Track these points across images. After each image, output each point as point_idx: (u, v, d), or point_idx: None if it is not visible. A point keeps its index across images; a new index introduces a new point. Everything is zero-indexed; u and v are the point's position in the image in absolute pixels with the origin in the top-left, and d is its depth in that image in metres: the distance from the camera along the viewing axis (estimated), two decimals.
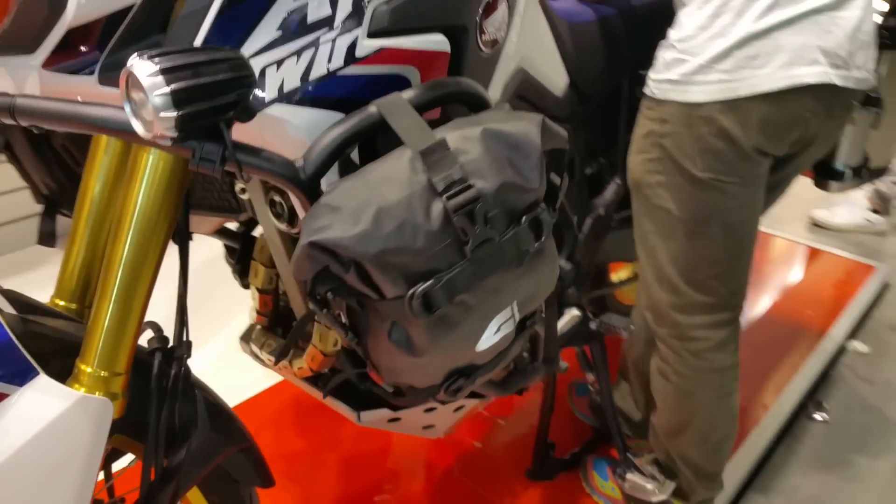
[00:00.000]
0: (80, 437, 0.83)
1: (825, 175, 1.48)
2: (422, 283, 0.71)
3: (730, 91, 1.17)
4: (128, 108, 0.65)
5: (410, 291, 0.71)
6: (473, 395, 1.34)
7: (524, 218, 0.77)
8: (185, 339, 1.00)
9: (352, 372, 1.29)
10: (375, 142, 0.78)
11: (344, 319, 0.78)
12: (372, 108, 0.76)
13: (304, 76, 0.76)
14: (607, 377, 1.62)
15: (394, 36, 0.80)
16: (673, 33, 1.24)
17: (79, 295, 1.03)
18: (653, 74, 1.28)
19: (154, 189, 0.83)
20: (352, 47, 0.77)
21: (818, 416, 2.08)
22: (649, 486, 1.56)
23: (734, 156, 1.21)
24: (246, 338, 1.40)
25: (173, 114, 0.61)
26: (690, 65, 1.19)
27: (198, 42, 0.71)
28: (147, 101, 0.61)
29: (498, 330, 0.82)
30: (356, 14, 0.77)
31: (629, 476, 1.59)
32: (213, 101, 0.63)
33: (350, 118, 0.76)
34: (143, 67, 0.60)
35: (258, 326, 1.34)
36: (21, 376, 0.84)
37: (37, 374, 0.84)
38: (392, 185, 0.70)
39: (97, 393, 0.85)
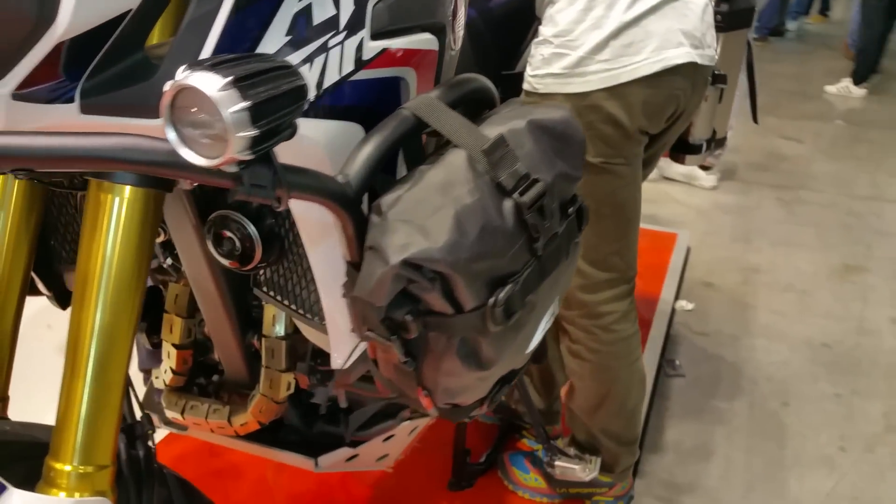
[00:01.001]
0: None
1: (682, 150, 1.66)
2: (500, 288, 0.68)
3: (612, 79, 1.27)
4: (171, 135, 0.54)
5: (492, 299, 0.68)
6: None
7: (570, 209, 0.77)
8: (141, 412, 0.87)
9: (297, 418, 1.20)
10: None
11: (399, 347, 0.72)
12: (405, 113, 0.71)
13: (319, 84, 0.69)
14: (521, 375, 1.66)
15: (393, 36, 0.76)
16: (546, 30, 1.31)
17: None
18: (531, 71, 1.35)
19: (127, 237, 0.71)
20: (359, 50, 0.72)
21: (674, 373, 2.31)
22: (577, 466, 1.63)
23: (621, 138, 1.32)
24: (151, 405, 1.23)
25: (252, 133, 0.52)
26: (571, 58, 1.27)
27: (206, 53, 0.62)
28: (218, 119, 0.51)
29: (544, 327, 0.82)
30: (359, 13, 0.72)
31: (557, 462, 1.64)
32: (284, 117, 0.55)
33: (385, 126, 0.70)
34: (208, 80, 0.51)
35: (167, 389, 1.18)
36: None
37: (3, 488, 0.68)
38: (460, 188, 0.66)
39: (85, 494, 0.71)
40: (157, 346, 1.16)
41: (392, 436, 1.25)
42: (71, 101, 0.61)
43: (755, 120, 2.16)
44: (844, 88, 5.23)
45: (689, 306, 2.68)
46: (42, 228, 0.88)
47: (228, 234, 0.91)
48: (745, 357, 2.41)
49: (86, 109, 0.62)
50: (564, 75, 1.29)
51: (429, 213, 0.65)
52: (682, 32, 1.27)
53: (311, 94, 0.68)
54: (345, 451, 1.18)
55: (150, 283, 1.15)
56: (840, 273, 2.89)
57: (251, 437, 1.18)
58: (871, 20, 5.10)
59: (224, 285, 1.02)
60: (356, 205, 0.68)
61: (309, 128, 0.68)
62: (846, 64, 5.53)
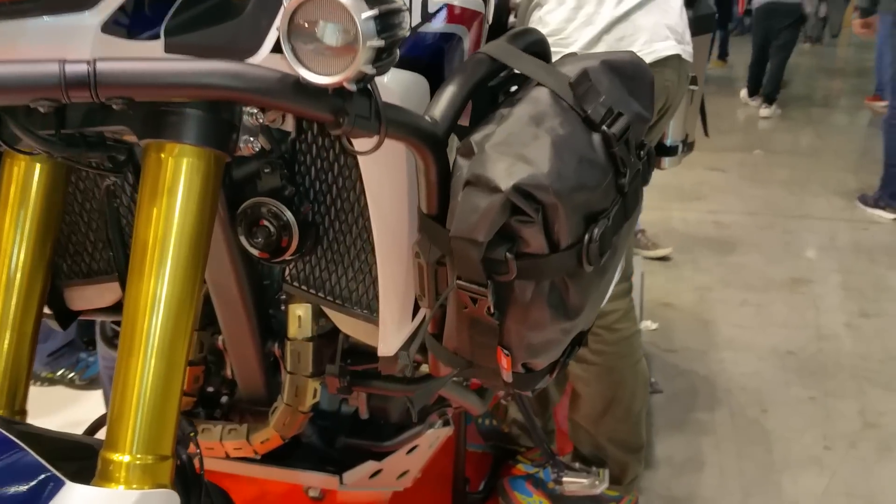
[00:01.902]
0: None
1: (659, 153, 1.71)
2: (594, 225, 0.67)
3: None
4: (288, 50, 0.52)
5: (587, 235, 0.66)
6: (446, 422, 1.27)
7: (641, 152, 0.77)
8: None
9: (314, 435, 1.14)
10: None
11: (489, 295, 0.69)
12: (482, 55, 0.70)
13: None
14: None
15: None
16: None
17: (5, 398, 0.76)
18: None
19: (189, 200, 0.66)
20: (425, 2, 0.72)
21: (654, 390, 2.33)
22: (586, 480, 1.60)
23: None
24: None
25: (379, 43, 0.50)
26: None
27: None
28: (350, 27, 0.49)
29: (615, 280, 0.81)
30: None
31: (566, 478, 1.61)
32: (399, 35, 0.53)
33: (464, 69, 0.69)
34: None
35: None
36: (36, 494, 0.60)
37: (61, 483, 0.61)
38: (551, 121, 0.65)
39: (145, 487, 0.64)
40: None
41: (416, 447, 1.19)
42: (156, 37, 0.58)
43: (705, 133, 2.27)
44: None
45: (654, 326, 2.73)
46: None
47: (264, 222, 0.87)
48: (716, 370, 2.46)
49: (170, 48, 0.59)
50: None
51: (526, 142, 0.64)
52: (666, 27, 1.33)
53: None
54: (370, 465, 1.12)
55: None
56: (789, 286, 3.02)
57: (269, 460, 1.11)
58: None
59: (246, 286, 0.97)
60: (443, 146, 0.67)
61: (384, 77, 0.67)
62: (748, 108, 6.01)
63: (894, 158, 3.73)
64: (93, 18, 0.57)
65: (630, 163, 0.71)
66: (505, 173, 0.63)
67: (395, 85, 0.68)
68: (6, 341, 0.77)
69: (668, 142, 1.69)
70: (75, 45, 0.58)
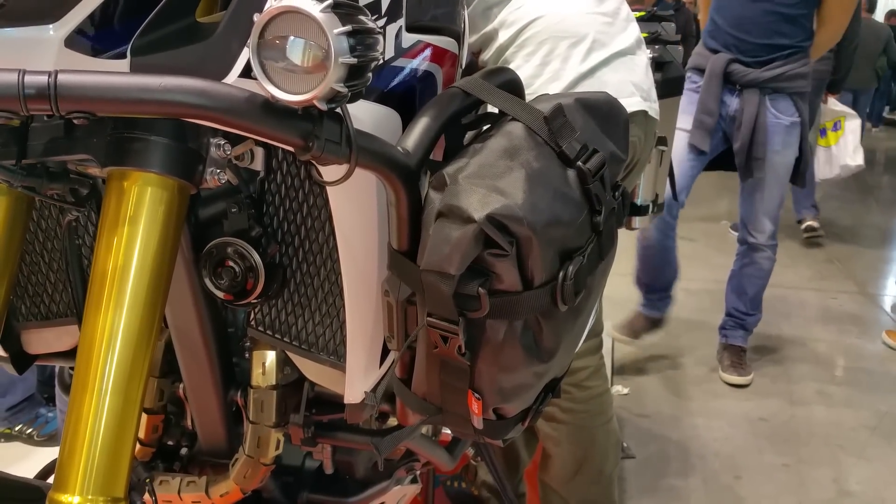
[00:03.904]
0: None
1: (630, 213, 1.73)
2: (568, 262, 0.67)
3: None
4: (257, 66, 0.52)
5: (562, 273, 0.66)
6: (414, 479, 1.23)
7: (616, 193, 0.78)
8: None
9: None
10: None
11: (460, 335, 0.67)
12: (455, 90, 0.71)
13: None
14: (487, 447, 1.60)
15: (424, 32, 0.77)
16: None
17: None
18: None
19: (151, 231, 0.65)
20: (398, 37, 0.73)
21: (625, 455, 2.30)
22: None
23: None
24: None
25: (351, 60, 0.50)
26: None
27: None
28: (322, 44, 0.50)
29: (589, 325, 0.80)
30: (397, 2, 0.73)
31: None
32: (373, 56, 0.54)
33: (437, 102, 0.70)
34: (309, 3, 0.49)
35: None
36: None
37: None
38: (526, 154, 0.66)
39: None
40: None
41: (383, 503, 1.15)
42: (122, 56, 0.57)
43: (675, 197, 2.32)
44: None
45: (625, 390, 2.72)
46: None
47: (230, 262, 0.86)
48: (689, 435, 2.45)
49: (136, 68, 0.58)
50: None
51: (500, 174, 0.64)
52: (632, 84, 1.37)
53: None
54: None
55: None
56: (760, 352, 3.04)
57: None
58: None
59: (210, 331, 0.95)
60: (416, 179, 0.67)
61: (356, 107, 0.67)
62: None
63: None
64: (56, 32, 0.56)
65: (605, 200, 0.72)
66: (478, 204, 0.63)
67: (366, 116, 0.68)
68: None
69: (639, 201, 1.71)
70: (37, 58, 0.57)
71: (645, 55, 1.46)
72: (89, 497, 0.61)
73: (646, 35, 1.73)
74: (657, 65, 1.68)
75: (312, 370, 0.91)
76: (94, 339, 0.63)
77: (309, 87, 0.52)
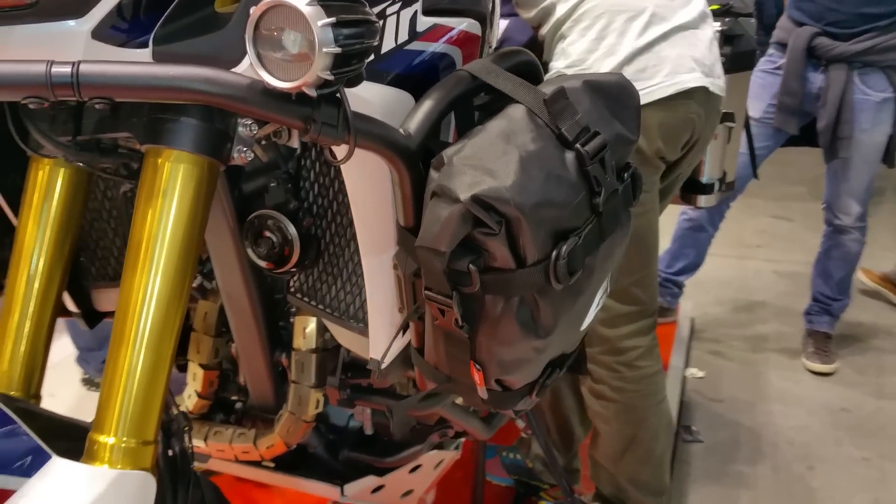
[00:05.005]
0: None
1: (694, 191, 1.71)
2: (563, 242, 0.70)
3: None
4: (253, 56, 0.58)
5: (555, 252, 0.69)
6: (451, 441, 1.29)
7: (625, 174, 0.80)
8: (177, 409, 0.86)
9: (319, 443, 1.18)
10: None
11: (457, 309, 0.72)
12: (462, 73, 0.75)
13: (377, 50, 0.74)
14: (539, 420, 1.64)
15: (442, 15, 0.81)
16: (558, 63, 1.38)
17: (21, 383, 0.83)
18: None
19: (183, 203, 0.72)
20: (413, 21, 0.77)
21: (692, 439, 2.29)
22: None
23: (639, 163, 1.36)
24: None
25: (335, 50, 0.56)
26: None
27: None
28: (307, 34, 0.55)
29: (597, 305, 0.83)
30: None
31: None
32: (362, 45, 0.58)
33: (443, 86, 0.74)
34: None
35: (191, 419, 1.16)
36: (26, 465, 0.66)
37: (47, 457, 0.67)
38: (522, 137, 0.69)
39: (128, 468, 0.69)
40: (182, 369, 1.14)
41: (419, 466, 1.22)
42: (144, 46, 0.65)
43: (755, 175, 2.26)
44: None
45: (700, 374, 2.68)
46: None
47: (268, 233, 0.93)
48: (762, 422, 2.40)
49: (158, 56, 0.65)
50: None
51: (494, 157, 0.68)
52: (693, 59, 1.36)
53: (369, 56, 0.72)
54: (371, 480, 1.16)
55: None
56: (848, 341, 2.92)
57: (275, 466, 1.15)
58: None
59: (256, 297, 1.03)
60: (416, 159, 0.71)
61: (366, 90, 0.72)
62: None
63: None
64: (82, 26, 0.64)
65: (605, 182, 0.74)
66: (467, 185, 0.67)
67: (377, 99, 0.73)
68: (26, 330, 0.84)
69: (704, 179, 1.69)
70: (67, 50, 0.65)
71: (710, 29, 1.43)
72: (123, 438, 0.70)
73: (716, 7, 1.69)
74: (726, 38, 1.65)
75: (343, 336, 0.98)
76: (130, 298, 0.71)
77: (299, 74, 0.57)
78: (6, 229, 0.93)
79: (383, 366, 0.93)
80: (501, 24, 1.52)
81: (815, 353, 2.71)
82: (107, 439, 0.69)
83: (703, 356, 2.83)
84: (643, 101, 1.31)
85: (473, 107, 0.79)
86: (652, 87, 1.31)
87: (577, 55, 1.34)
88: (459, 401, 1.15)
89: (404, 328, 0.85)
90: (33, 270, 0.85)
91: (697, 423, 2.37)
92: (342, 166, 0.75)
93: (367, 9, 0.61)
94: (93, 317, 1.09)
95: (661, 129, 1.34)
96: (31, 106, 0.61)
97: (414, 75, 0.77)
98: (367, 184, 0.77)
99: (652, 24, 1.33)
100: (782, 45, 2.46)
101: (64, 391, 2.40)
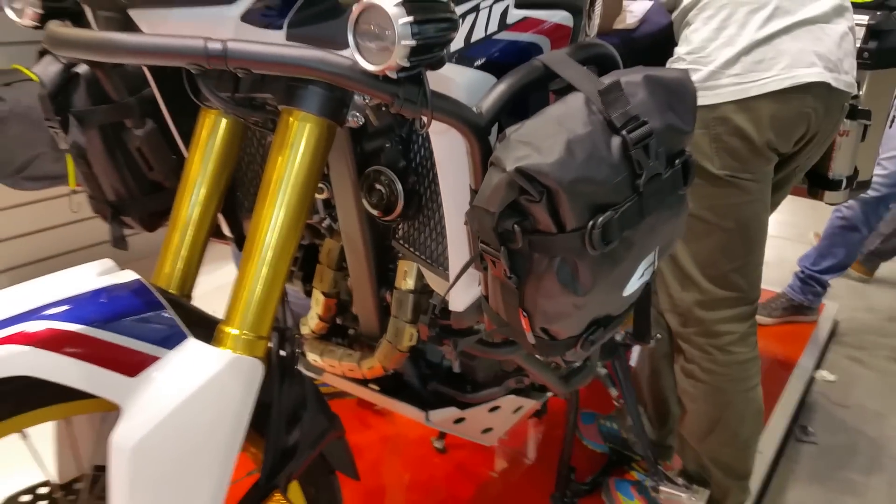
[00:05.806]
0: (232, 397, 0.87)
1: (821, 186, 1.71)
2: (600, 214, 0.82)
3: (742, 92, 1.38)
4: (352, 43, 0.74)
5: (591, 222, 0.81)
6: (534, 391, 1.43)
7: (677, 161, 0.90)
8: (293, 320, 1.05)
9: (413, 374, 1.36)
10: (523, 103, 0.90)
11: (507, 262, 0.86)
12: (536, 63, 0.88)
13: (467, 38, 0.88)
14: (632, 392, 1.74)
15: (535, 8, 0.94)
16: (680, 49, 1.44)
17: (179, 282, 1.06)
18: None
19: (305, 155, 0.91)
20: (504, 14, 0.91)
21: (807, 439, 2.27)
22: (683, 495, 1.66)
23: (748, 152, 1.41)
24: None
25: (411, 43, 0.71)
26: (702, 73, 1.39)
27: None
28: (390, 29, 0.70)
29: (641, 275, 0.94)
30: None
31: (663, 488, 1.69)
32: (437, 39, 0.73)
33: (517, 72, 0.88)
34: (387, 1, 0.70)
35: (310, 336, 1.38)
36: (169, 340, 0.87)
37: (184, 337, 0.88)
38: (574, 121, 0.81)
39: (245, 354, 0.89)
40: (308, 294, 1.36)
41: (497, 407, 1.37)
42: (280, 28, 0.83)
43: None
44: None
45: (831, 377, 2.62)
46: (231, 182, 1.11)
47: (379, 186, 1.10)
48: (888, 435, 2.33)
49: (290, 37, 0.83)
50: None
51: (544, 137, 0.80)
52: (815, 54, 1.37)
53: (460, 44, 0.87)
54: (453, 411, 1.32)
55: (306, 241, 1.37)
56: None
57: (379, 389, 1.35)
58: None
59: (369, 240, 1.22)
60: (485, 133, 0.85)
61: (454, 71, 0.87)
62: None
63: None
64: (233, 10, 0.83)
65: (648, 166, 0.84)
66: (514, 158, 0.80)
67: (462, 80, 0.88)
68: (187, 239, 1.06)
69: (832, 175, 1.68)
70: (221, 29, 0.84)
71: (845, 24, 1.43)
72: (243, 331, 0.90)
73: (870, 0, 1.66)
74: (873, 32, 1.62)
75: (434, 281, 1.15)
76: (259, 224, 0.91)
77: (384, 60, 0.73)
78: (181, 163, 1.17)
79: (459, 309, 1.09)
80: (643, 7, 1.60)
81: None
82: (231, 330, 0.90)
83: (840, 360, 2.75)
84: (756, 91, 1.36)
85: (547, 92, 0.91)
86: (766, 79, 1.35)
87: (697, 42, 1.40)
88: None
89: (479, 279, 1.00)
90: (195, 196, 1.07)
91: (815, 425, 2.34)
92: (431, 136, 0.90)
93: (450, 7, 0.75)
94: (244, 242, 1.32)
95: (772, 120, 1.37)
96: (193, 71, 0.81)
97: (499, 61, 0.91)
98: (450, 152, 0.92)
99: (774, 17, 1.36)
100: None
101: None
